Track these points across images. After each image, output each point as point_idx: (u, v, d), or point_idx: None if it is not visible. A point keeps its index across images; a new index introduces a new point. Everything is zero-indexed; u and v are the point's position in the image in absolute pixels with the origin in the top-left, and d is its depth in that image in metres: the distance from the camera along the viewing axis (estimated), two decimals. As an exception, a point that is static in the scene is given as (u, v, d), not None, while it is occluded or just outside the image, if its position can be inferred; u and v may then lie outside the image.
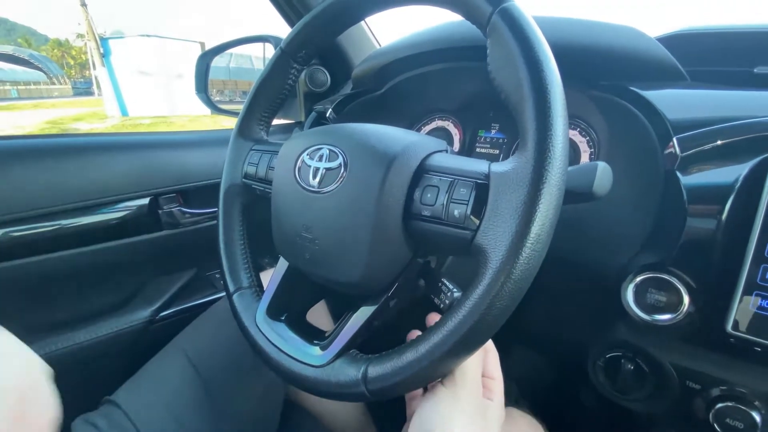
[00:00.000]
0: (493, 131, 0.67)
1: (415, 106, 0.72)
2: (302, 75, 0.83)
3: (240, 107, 0.57)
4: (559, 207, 0.28)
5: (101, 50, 15.89)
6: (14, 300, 0.56)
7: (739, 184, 0.32)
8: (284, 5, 0.72)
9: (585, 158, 0.56)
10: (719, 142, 0.33)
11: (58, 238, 0.59)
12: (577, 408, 0.65)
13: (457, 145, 0.71)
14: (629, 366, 0.43)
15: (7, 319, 0.57)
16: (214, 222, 0.52)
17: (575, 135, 0.57)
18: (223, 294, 0.70)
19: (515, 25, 0.30)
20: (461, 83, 0.66)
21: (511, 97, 0.30)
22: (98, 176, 0.61)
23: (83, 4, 16.76)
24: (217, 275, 0.76)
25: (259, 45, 0.97)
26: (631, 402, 0.46)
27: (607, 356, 0.45)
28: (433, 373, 0.30)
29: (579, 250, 0.47)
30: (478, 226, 0.30)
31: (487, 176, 0.30)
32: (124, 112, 16.09)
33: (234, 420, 0.53)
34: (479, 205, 0.30)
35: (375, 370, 0.32)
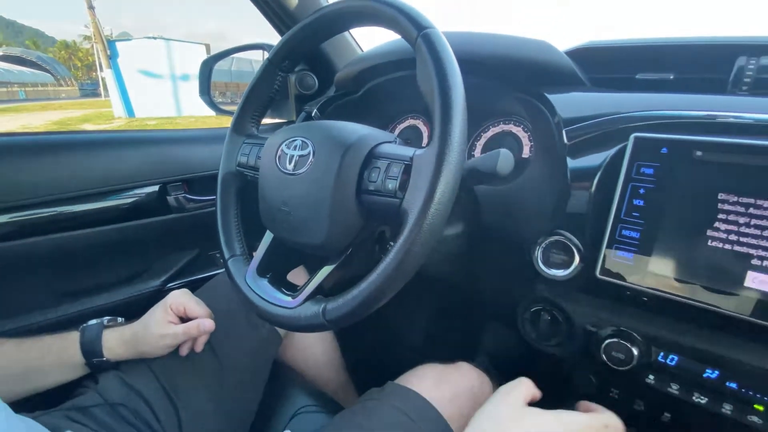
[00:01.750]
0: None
1: (390, 107, 0.83)
2: (293, 79, 0.93)
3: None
4: (457, 180, 0.38)
5: (108, 52, 16.11)
6: (44, 269, 0.67)
7: (604, 165, 0.42)
8: (275, 19, 0.82)
9: (527, 150, 0.66)
10: (593, 133, 0.43)
11: (81, 218, 0.70)
12: (520, 362, 0.75)
13: (425, 141, 0.81)
14: (547, 317, 0.53)
15: (38, 285, 0.68)
16: (215, 208, 0.62)
17: (519, 131, 0.67)
18: (222, 270, 0.80)
19: (432, 48, 0.40)
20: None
21: (428, 102, 0.40)
22: (116, 166, 0.72)
23: (91, 7, 17.02)
24: (218, 255, 0.87)
25: (258, 50, 1.08)
26: (551, 347, 0.56)
27: (531, 310, 0.55)
28: (372, 304, 0.41)
29: (508, 227, 0.58)
30: (404, 196, 0.40)
31: (411, 159, 0.41)
32: (131, 114, 16.31)
33: (230, 371, 0.62)
34: (406, 180, 0.40)
35: (331, 305, 0.42)
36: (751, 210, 0.36)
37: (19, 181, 0.63)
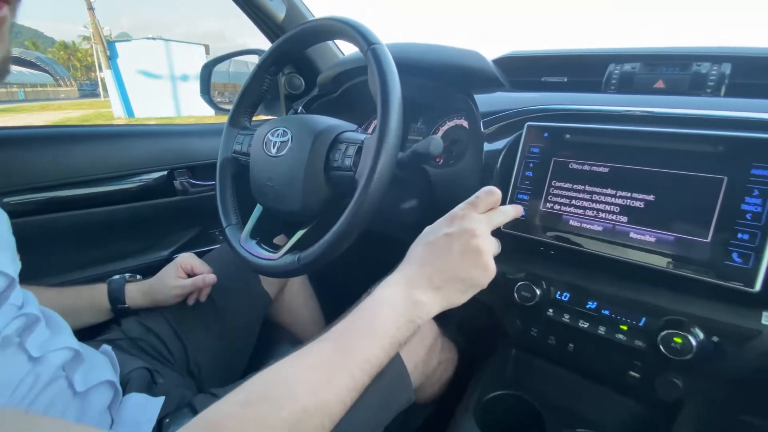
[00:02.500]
0: (419, 123, 0.91)
1: (364, 105, 0.96)
2: (283, 81, 1.07)
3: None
4: (393, 158, 0.51)
5: (108, 53, 16.20)
6: (76, 238, 0.81)
7: (507, 147, 0.55)
8: (266, 28, 0.96)
9: (472, 140, 0.79)
10: (501, 124, 0.57)
11: (100, 198, 0.83)
12: (460, 309, 0.88)
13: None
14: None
15: (67, 253, 0.82)
16: (215, 191, 0.75)
17: (467, 124, 0.80)
18: (219, 245, 0.94)
19: (377, 59, 0.53)
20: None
21: (375, 100, 0.53)
22: (131, 155, 0.85)
23: (90, 8, 17.13)
24: (217, 232, 1.00)
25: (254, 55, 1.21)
26: (483, 296, 0.69)
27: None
28: (334, 250, 0.54)
29: (453, 200, 0.71)
30: (356, 170, 0.53)
31: (362, 142, 0.54)
32: (131, 114, 16.41)
33: (228, 320, 0.75)
34: (358, 158, 0.54)
35: (303, 253, 0.56)
36: (605, 177, 0.49)
37: (53, 165, 0.76)
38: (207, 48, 18.21)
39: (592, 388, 0.66)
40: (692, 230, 0.43)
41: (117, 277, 0.69)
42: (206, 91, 1.26)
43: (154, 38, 17.00)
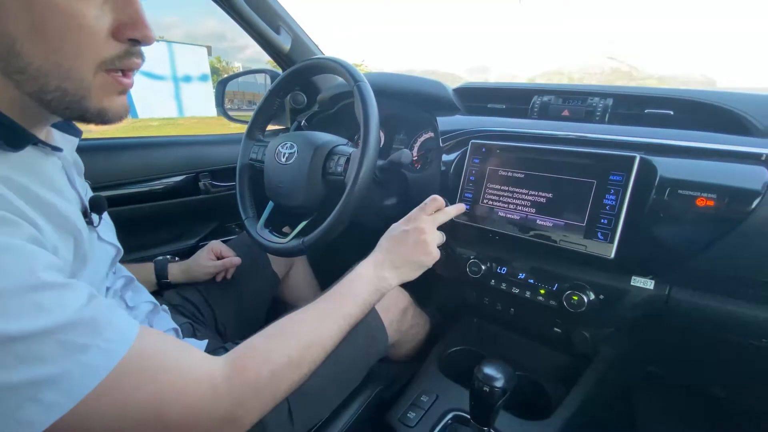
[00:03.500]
0: (401, 135, 1.10)
1: (355, 121, 1.14)
2: (288, 97, 1.26)
3: (245, 114, 0.99)
4: (373, 167, 0.70)
5: (111, 54, 16.33)
6: (126, 230, 0.99)
7: (457, 158, 0.74)
8: (276, 57, 1.15)
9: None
10: (454, 140, 0.76)
11: (139, 196, 1.03)
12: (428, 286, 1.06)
13: (382, 143, 1.14)
14: (443, 252, 0.85)
15: (125, 240, 1.01)
16: (232, 192, 0.94)
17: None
18: (235, 236, 1.13)
19: (361, 93, 0.72)
20: (383, 107, 1.09)
21: (360, 123, 0.72)
22: (165, 160, 1.04)
23: (94, 10, 17.25)
24: (233, 225, 1.19)
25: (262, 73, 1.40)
26: (445, 273, 0.88)
27: (435, 250, 0.87)
28: (330, 234, 0.72)
29: (424, 197, 0.90)
30: (345, 175, 0.72)
31: (350, 154, 0.73)
32: (134, 114, 16.57)
33: (246, 293, 0.94)
34: (347, 166, 0.73)
35: (306, 238, 0.75)
36: (522, 181, 0.68)
37: (110, 169, 0.96)
38: (209, 49, 18.38)
39: (532, 345, 0.85)
40: (574, 217, 0.62)
41: (161, 258, 0.88)
42: (221, 104, 1.45)
43: (157, 40, 17.15)
